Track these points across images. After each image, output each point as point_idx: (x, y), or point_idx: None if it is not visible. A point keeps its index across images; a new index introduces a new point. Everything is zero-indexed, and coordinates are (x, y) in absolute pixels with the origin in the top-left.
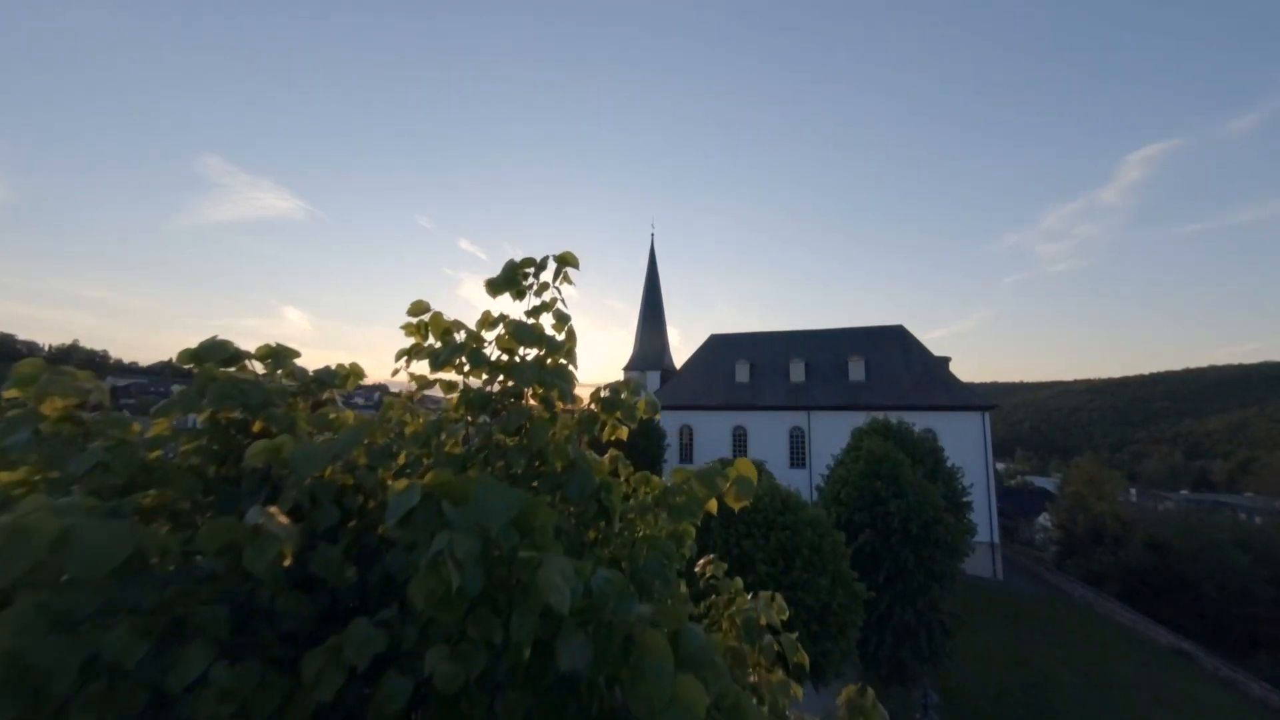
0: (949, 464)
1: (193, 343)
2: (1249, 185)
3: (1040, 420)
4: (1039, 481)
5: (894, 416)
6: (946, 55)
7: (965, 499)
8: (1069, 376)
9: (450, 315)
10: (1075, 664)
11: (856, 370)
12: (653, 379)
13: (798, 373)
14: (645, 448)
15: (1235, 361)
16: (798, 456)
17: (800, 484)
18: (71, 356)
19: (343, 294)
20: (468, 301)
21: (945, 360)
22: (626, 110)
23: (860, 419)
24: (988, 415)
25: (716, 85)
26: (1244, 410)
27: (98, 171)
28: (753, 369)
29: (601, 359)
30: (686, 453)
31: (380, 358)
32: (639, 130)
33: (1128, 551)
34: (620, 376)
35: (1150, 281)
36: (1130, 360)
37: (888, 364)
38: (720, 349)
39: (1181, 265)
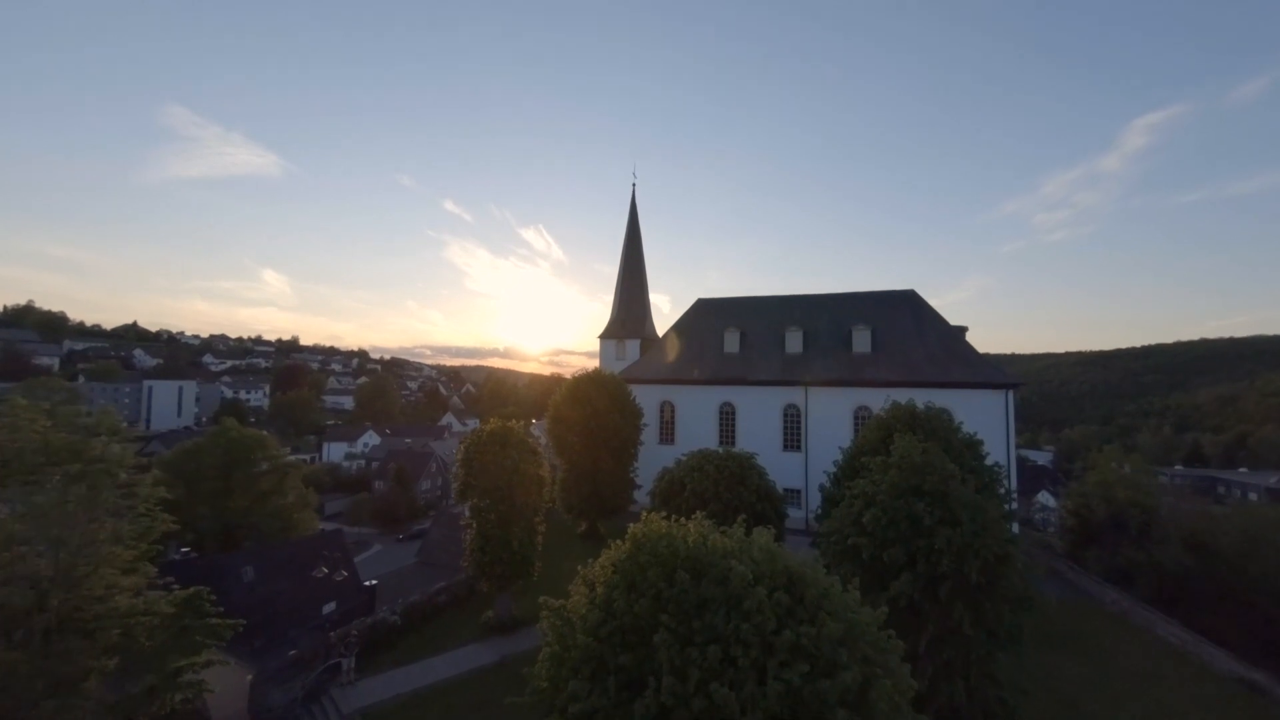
0: (989, 461)
1: (167, 304)
2: (1251, 154)
3: (1031, 391)
4: (1033, 455)
5: (907, 395)
6: (952, 11)
7: (1009, 505)
8: (1060, 348)
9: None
10: (1132, 707)
11: (861, 341)
12: (632, 348)
13: (794, 343)
14: (619, 427)
15: (1226, 335)
16: (792, 438)
17: (794, 470)
18: (26, 318)
19: (323, 256)
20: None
21: (962, 330)
22: (613, 53)
23: (865, 396)
24: (1012, 394)
25: (707, 34)
26: (1234, 384)
27: (51, 116)
28: (743, 338)
29: (582, 327)
30: (667, 432)
31: (363, 322)
32: (625, 76)
33: (1163, 550)
34: (596, 346)
35: (1145, 252)
36: (1122, 332)
37: (897, 334)
38: (707, 315)
39: (1177, 236)
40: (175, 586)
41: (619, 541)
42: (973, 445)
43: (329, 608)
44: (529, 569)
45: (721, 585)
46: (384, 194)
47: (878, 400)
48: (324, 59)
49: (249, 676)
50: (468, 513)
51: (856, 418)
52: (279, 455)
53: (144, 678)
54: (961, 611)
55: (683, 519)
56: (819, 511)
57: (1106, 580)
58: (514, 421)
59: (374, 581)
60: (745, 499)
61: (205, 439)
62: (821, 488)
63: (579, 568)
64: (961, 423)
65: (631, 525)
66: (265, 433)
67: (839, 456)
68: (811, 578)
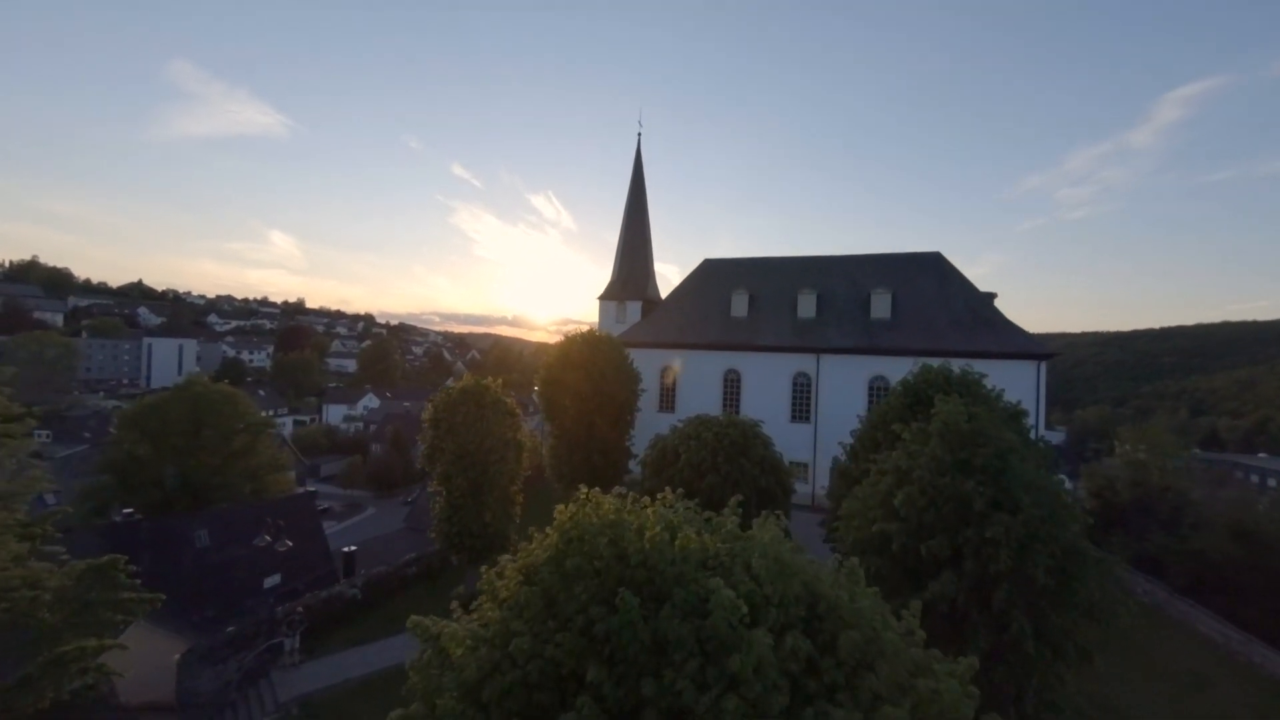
0: (1033, 433)
1: (175, 264)
2: None
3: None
4: (1045, 435)
5: (934, 364)
6: None
7: None
8: (1076, 328)
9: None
10: (1178, 712)
11: (881, 305)
12: (633, 310)
13: (807, 307)
14: (615, 392)
15: (1249, 318)
16: (801, 408)
17: (802, 443)
18: (30, 274)
19: (331, 219)
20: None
21: (990, 296)
22: (626, 6)
23: (882, 364)
24: (1044, 366)
25: (721, 6)
26: (1253, 368)
27: (54, 68)
28: (752, 301)
29: (590, 296)
30: (668, 399)
31: (371, 287)
32: (639, 35)
33: (1205, 537)
34: (595, 307)
35: (1170, 231)
36: (1141, 313)
37: (920, 299)
38: (714, 276)
39: (1205, 215)
40: (65, 558)
41: (546, 530)
42: (1016, 417)
43: (272, 580)
44: (504, 543)
45: (694, 619)
46: (391, 156)
47: (895, 369)
48: (324, 13)
49: (175, 656)
50: (435, 479)
51: (872, 388)
52: (253, 414)
53: (26, 664)
54: (1022, 623)
55: (648, 499)
56: (829, 489)
57: (1134, 568)
58: (490, 380)
59: (353, 547)
60: (748, 472)
61: (171, 394)
62: (835, 461)
63: (483, 569)
64: (1002, 390)
65: (559, 506)
66: (238, 390)
67: (853, 427)
68: (850, 611)
